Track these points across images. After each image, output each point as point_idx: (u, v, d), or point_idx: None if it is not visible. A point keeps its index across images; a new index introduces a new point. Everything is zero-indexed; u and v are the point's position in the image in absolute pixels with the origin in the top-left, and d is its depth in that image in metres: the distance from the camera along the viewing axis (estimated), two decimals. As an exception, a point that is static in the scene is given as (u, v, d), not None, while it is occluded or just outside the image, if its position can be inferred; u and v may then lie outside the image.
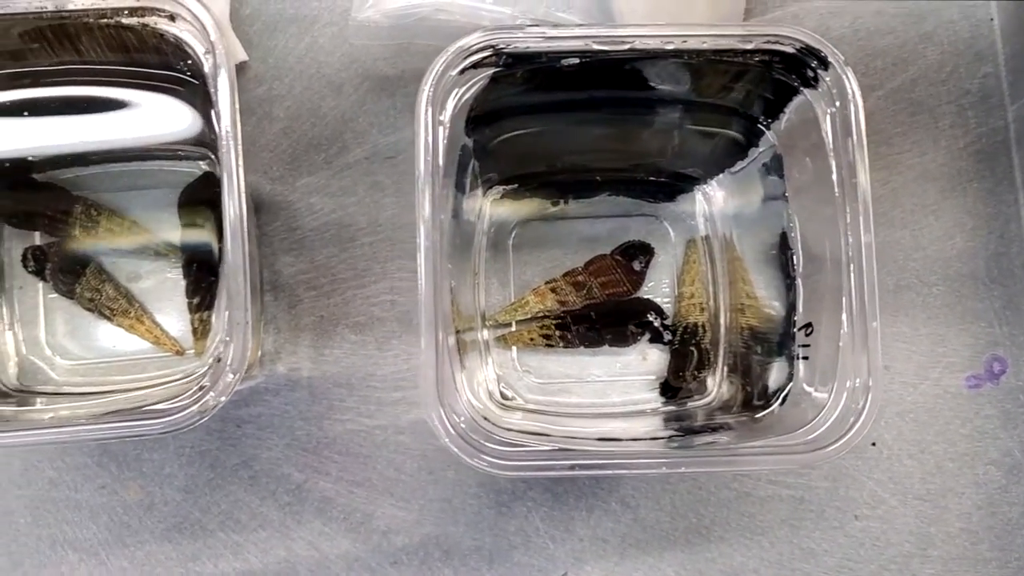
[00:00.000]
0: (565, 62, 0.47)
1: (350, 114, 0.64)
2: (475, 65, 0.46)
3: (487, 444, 0.44)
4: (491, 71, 0.47)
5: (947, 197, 0.62)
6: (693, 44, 0.46)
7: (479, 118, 0.49)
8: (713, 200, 0.60)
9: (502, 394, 0.58)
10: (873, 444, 0.61)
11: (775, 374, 0.55)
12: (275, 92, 0.62)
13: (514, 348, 0.61)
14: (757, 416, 0.50)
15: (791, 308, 0.51)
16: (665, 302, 0.63)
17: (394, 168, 0.64)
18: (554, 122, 0.54)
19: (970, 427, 0.61)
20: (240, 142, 0.43)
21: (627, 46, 0.46)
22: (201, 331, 0.56)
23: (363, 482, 0.60)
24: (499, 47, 0.45)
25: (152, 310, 0.60)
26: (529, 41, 0.45)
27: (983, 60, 0.63)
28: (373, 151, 0.62)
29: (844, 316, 0.45)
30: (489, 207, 0.60)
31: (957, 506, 0.60)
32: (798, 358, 0.50)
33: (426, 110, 0.43)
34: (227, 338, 0.44)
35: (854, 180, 0.44)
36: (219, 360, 0.43)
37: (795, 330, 0.50)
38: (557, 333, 0.59)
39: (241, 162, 0.43)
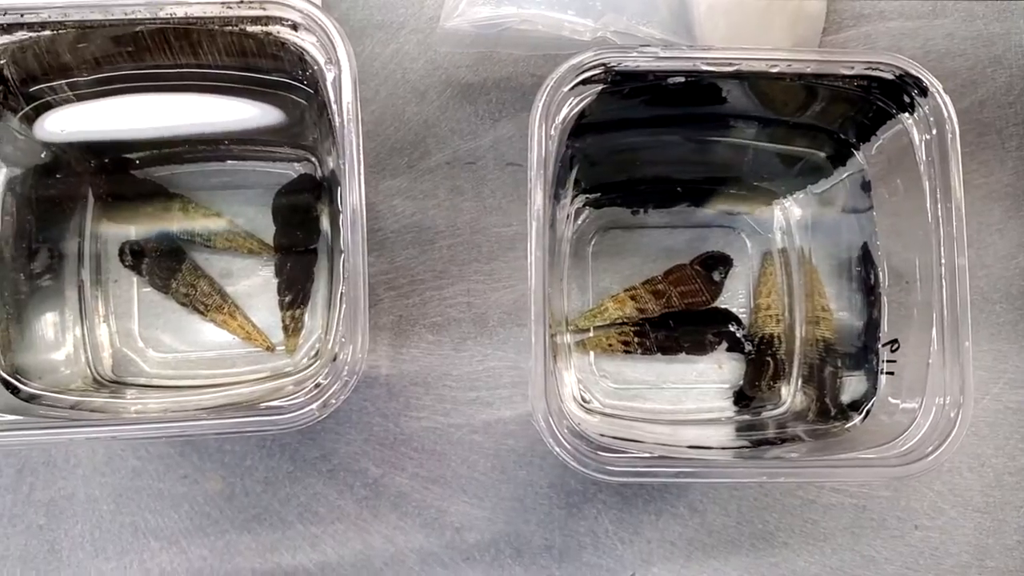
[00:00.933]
0: (671, 80, 0.48)
1: (432, 119, 0.64)
2: (585, 81, 0.47)
3: (592, 451, 0.45)
4: (600, 87, 0.48)
5: (1012, 217, 0.62)
6: (797, 68, 0.47)
7: (580, 129, 0.50)
8: (791, 213, 0.61)
9: (581, 397, 0.60)
10: None
11: (851, 387, 0.56)
12: (361, 96, 0.60)
13: (592, 353, 0.62)
14: (835, 428, 0.52)
15: (871, 322, 0.53)
16: (741, 312, 0.64)
17: (473, 173, 0.64)
18: (648, 135, 0.56)
19: None
20: (361, 146, 0.44)
21: (734, 68, 0.47)
22: (293, 328, 0.58)
23: (437, 479, 0.61)
24: (611, 65, 0.47)
25: (245, 307, 0.61)
26: (640, 60, 0.46)
27: None
28: (454, 156, 0.63)
29: (935, 333, 0.46)
30: (571, 216, 0.61)
31: (1015, 519, 0.61)
32: (882, 372, 0.51)
33: (540, 123, 0.44)
34: (343, 339, 0.45)
35: (949, 205, 0.45)
36: (335, 359, 0.45)
37: (879, 345, 0.52)
38: (636, 339, 0.61)
39: (362, 166, 0.44)
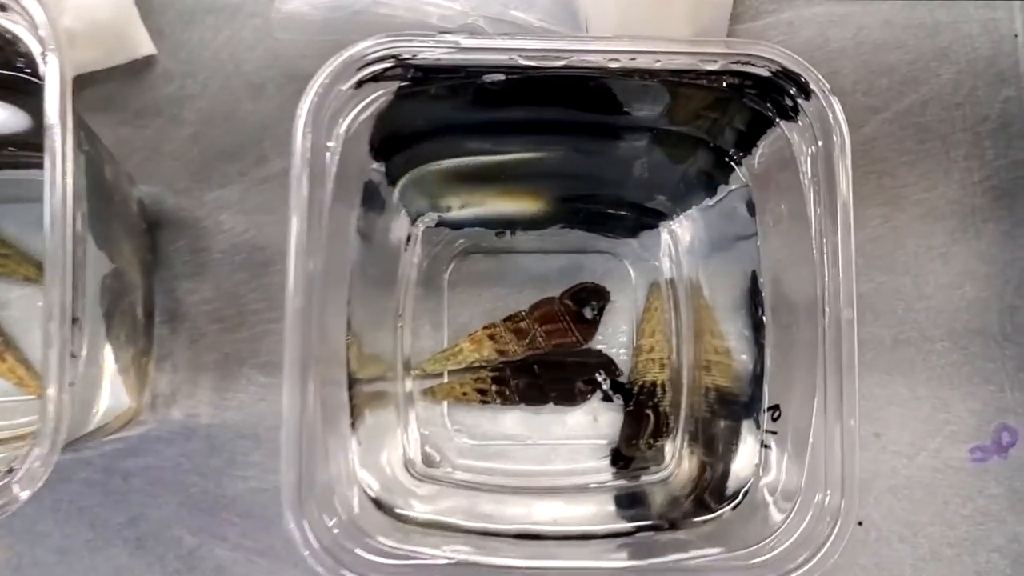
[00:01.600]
0: (488, 78, 0.37)
1: (271, 119, 0.56)
2: (375, 78, 0.36)
3: (361, 554, 0.34)
4: (396, 85, 0.37)
5: (957, 240, 0.55)
6: (643, 63, 0.36)
7: (394, 138, 0.39)
8: (680, 238, 0.51)
9: (427, 457, 0.49)
10: (859, 524, 0.54)
11: (744, 449, 0.45)
12: (186, 91, 0.54)
13: (445, 403, 0.52)
14: (703, 518, 0.41)
15: (757, 376, 0.42)
16: (623, 354, 0.55)
17: (319, 184, 0.53)
18: (495, 144, 0.46)
19: (972, 507, 0.54)
20: (69, 141, 0.34)
21: (562, 62, 0.36)
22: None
23: (266, 550, 0.53)
24: (403, 57, 0.36)
25: (22, 345, 0.51)
26: (439, 51, 0.36)
27: (1005, 82, 0.56)
28: (296, 163, 0.51)
29: (816, 403, 0.35)
30: (421, 236, 0.51)
31: None
32: (763, 446, 0.41)
33: (304, 133, 0.34)
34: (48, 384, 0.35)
35: (834, 238, 0.34)
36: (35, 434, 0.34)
37: (762, 410, 0.41)
38: (494, 388, 0.51)
39: (70, 166, 0.34)
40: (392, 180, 0.46)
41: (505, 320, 0.53)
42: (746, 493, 0.43)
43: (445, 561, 0.37)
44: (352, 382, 0.43)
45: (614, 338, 0.56)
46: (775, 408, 0.42)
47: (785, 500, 0.40)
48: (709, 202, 0.49)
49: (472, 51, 0.37)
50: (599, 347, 0.55)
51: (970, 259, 0.55)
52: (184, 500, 0.53)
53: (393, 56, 0.38)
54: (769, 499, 0.41)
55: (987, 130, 0.57)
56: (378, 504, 0.43)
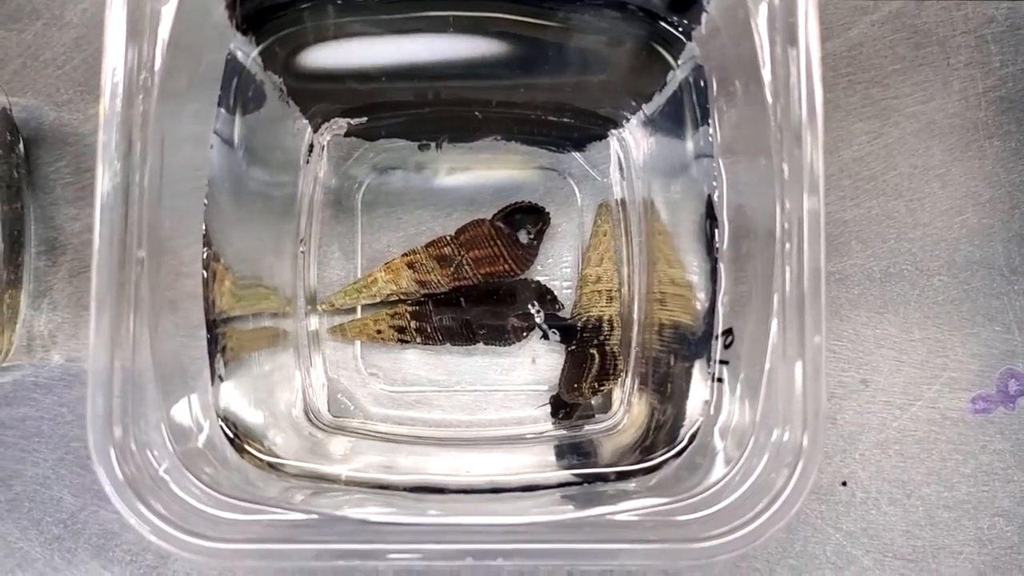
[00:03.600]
0: None
1: None
2: None
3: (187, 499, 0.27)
4: None
5: (958, 159, 0.50)
6: None
7: (265, 10, 0.31)
8: (632, 151, 0.44)
9: (328, 408, 0.42)
10: (844, 484, 0.49)
11: (696, 389, 0.38)
12: (63, 18, 0.50)
13: (357, 343, 0.47)
14: (646, 464, 0.34)
15: (714, 304, 0.35)
16: (566, 287, 0.49)
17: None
18: (398, 27, 0.38)
19: (973, 465, 0.49)
20: None
21: None
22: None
23: None
24: None
25: None
26: None
27: None
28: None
29: (774, 324, 0.27)
30: (327, 146, 0.43)
31: (952, 570, 0.48)
32: (715, 379, 0.33)
33: None
34: None
35: (797, 111, 0.26)
36: None
37: (714, 337, 0.33)
38: (413, 325, 0.45)
39: None
40: (272, 65, 0.38)
41: (427, 246, 0.47)
42: (694, 437, 0.36)
43: (302, 517, 0.29)
44: (218, 322, 0.36)
45: (556, 268, 0.50)
46: (728, 333, 0.35)
47: (738, 442, 0.32)
48: (659, 97, 0.41)
49: None
50: (539, 278, 0.49)
51: (972, 181, 0.51)
52: (64, 456, 0.48)
53: None
54: (719, 443, 0.34)
55: (993, 33, 0.51)
56: (239, 445, 0.35)
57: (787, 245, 0.30)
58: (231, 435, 0.36)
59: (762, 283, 0.33)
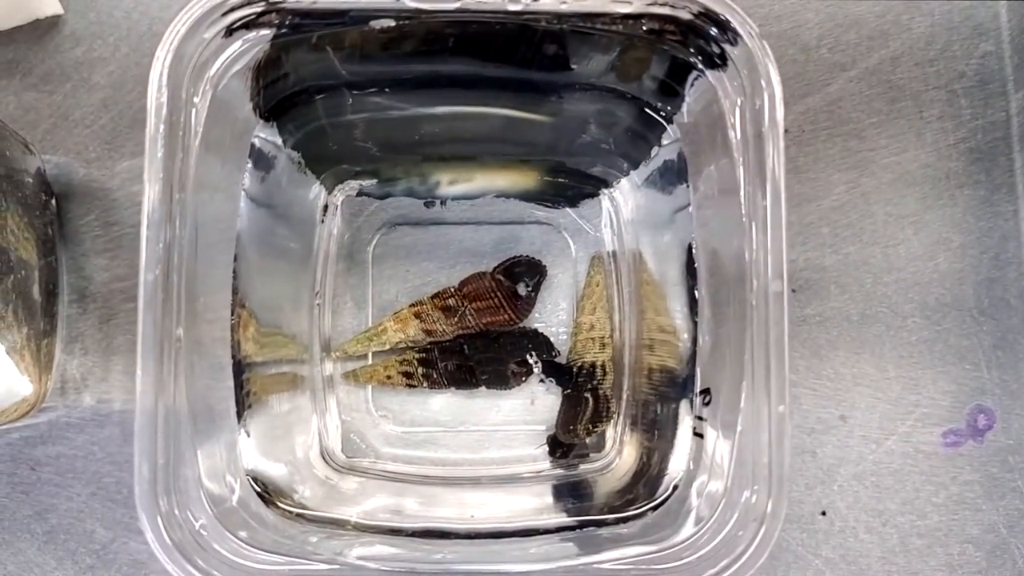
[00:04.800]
0: (376, 23, 0.33)
1: None
2: (246, 24, 0.32)
3: (226, 555, 0.30)
4: (271, 32, 0.32)
5: (930, 207, 0.52)
6: (548, 4, 0.31)
7: (282, 95, 0.35)
8: (621, 208, 0.46)
9: (349, 446, 0.45)
10: (823, 513, 0.51)
11: (682, 434, 0.41)
12: (95, 54, 0.51)
13: (369, 387, 0.48)
14: (632, 512, 0.37)
15: (695, 354, 0.38)
16: (562, 333, 0.51)
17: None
18: (411, 101, 0.41)
19: (945, 495, 0.51)
20: None
21: (455, 4, 0.31)
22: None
23: None
24: (274, 0, 0.31)
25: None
26: None
27: (983, 36, 0.52)
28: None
29: (744, 386, 0.30)
30: (340, 206, 0.46)
31: None
32: (696, 434, 0.36)
33: (160, 86, 0.29)
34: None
35: (763, 202, 0.29)
36: None
37: (693, 395, 0.36)
38: (420, 371, 0.47)
39: None
40: (292, 143, 0.41)
41: (432, 297, 0.49)
42: (676, 487, 0.39)
43: (325, 567, 0.32)
44: (243, 366, 0.39)
45: (552, 315, 0.52)
46: (706, 392, 0.38)
47: (712, 497, 0.35)
48: (645, 166, 0.44)
49: (351, -9, 0.33)
50: (536, 326, 0.51)
51: (944, 228, 0.52)
52: (96, 491, 0.50)
53: (265, -1, 0.33)
54: (695, 498, 0.36)
55: (963, 88, 0.53)
56: (268, 499, 0.38)
57: (755, 319, 0.33)
58: (259, 491, 0.39)
59: (736, 349, 0.36)
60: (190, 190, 0.32)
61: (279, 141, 0.41)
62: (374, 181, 0.48)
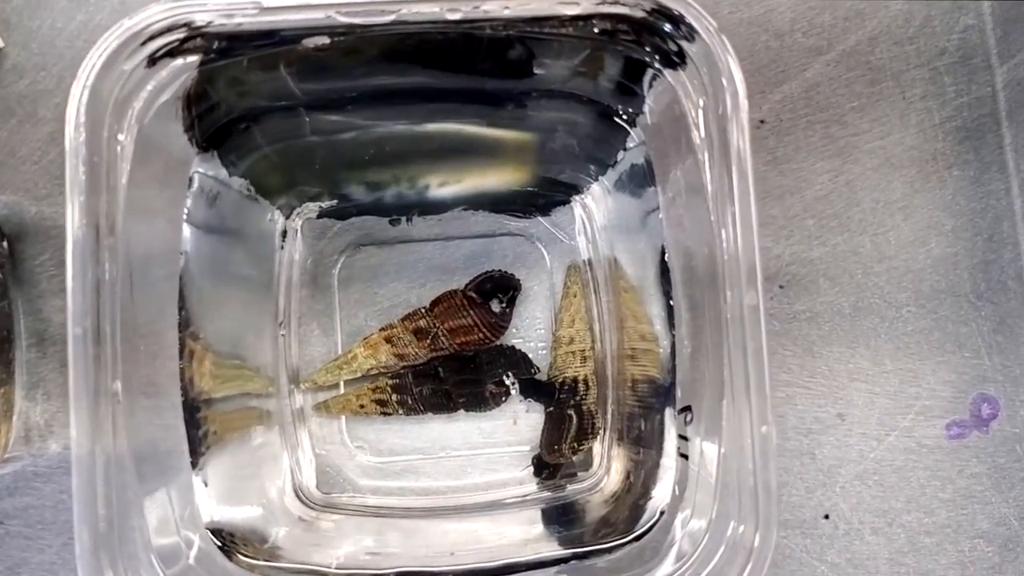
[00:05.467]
0: (309, 42, 0.30)
1: None
2: (169, 52, 0.29)
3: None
4: (197, 58, 0.30)
5: (919, 190, 0.50)
6: (491, 10, 0.29)
7: (217, 123, 0.33)
8: (594, 214, 0.44)
9: (325, 482, 0.43)
10: (826, 517, 0.49)
11: (668, 448, 0.39)
12: (40, 86, 0.50)
13: (342, 417, 0.46)
14: (614, 543, 0.34)
15: (673, 370, 0.35)
16: (542, 348, 0.49)
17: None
18: (369, 117, 0.39)
19: (952, 490, 0.49)
20: None
21: (389, 17, 0.29)
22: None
23: None
24: (196, 25, 0.29)
25: None
26: (239, 16, 0.29)
27: (962, 9, 0.50)
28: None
29: (724, 405, 0.28)
30: (301, 229, 0.44)
31: None
32: (680, 454, 0.34)
33: (77, 124, 0.27)
34: None
35: (731, 208, 0.27)
36: None
37: (674, 412, 0.34)
38: (394, 397, 0.45)
39: None
40: (236, 170, 0.38)
41: (403, 320, 0.47)
42: (662, 513, 0.36)
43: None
44: (198, 404, 0.37)
45: (530, 330, 0.50)
46: (687, 410, 0.35)
47: (693, 539, 0.33)
48: (614, 170, 0.42)
49: (278, 12, 0.30)
50: (514, 342, 0.49)
51: (934, 211, 0.50)
52: (68, 541, 0.48)
53: (185, 24, 0.31)
54: (679, 529, 0.34)
55: (946, 65, 0.51)
56: (232, 550, 0.36)
57: (731, 334, 0.31)
58: (220, 544, 0.37)
59: (715, 362, 0.34)
60: (120, 231, 0.30)
61: (222, 173, 0.39)
62: (334, 202, 0.46)
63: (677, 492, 0.37)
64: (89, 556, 0.29)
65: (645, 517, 0.38)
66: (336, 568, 0.38)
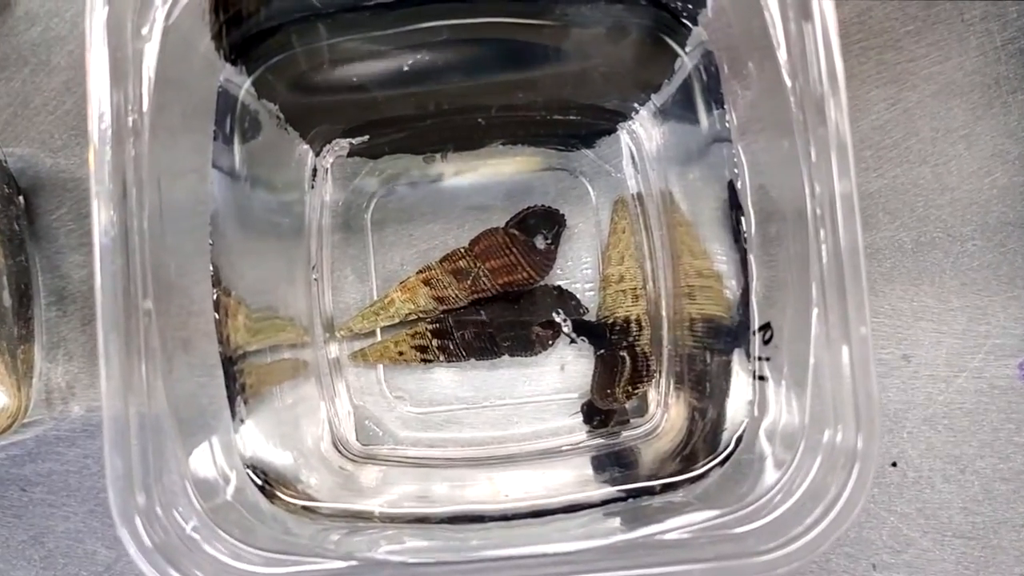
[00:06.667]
0: None
1: None
2: None
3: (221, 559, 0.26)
4: None
5: (981, 117, 0.48)
6: None
7: (250, 30, 0.30)
8: (644, 143, 0.41)
9: (355, 436, 0.40)
10: (894, 464, 0.47)
11: (737, 385, 0.36)
12: (53, 33, 0.48)
13: (380, 366, 0.44)
14: (691, 474, 0.32)
15: (747, 295, 0.33)
16: (588, 289, 0.47)
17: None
18: (391, 42, 0.36)
19: None
20: None
21: None
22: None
23: None
24: None
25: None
26: None
27: None
28: (194, 106, 0.46)
29: (814, 315, 0.25)
30: (330, 171, 0.42)
31: (1015, 544, 0.46)
32: (758, 377, 0.31)
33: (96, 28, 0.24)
34: None
35: (819, 93, 0.24)
36: None
37: (751, 333, 0.31)
38: (435, 343, 0.43)
39: None
40: (266, 93, 0.36)
41: (441, 261, 0.45)
42: (740, 440, 0.34)
43: (343, 565, 0.27)
44: (235, 358, 0.34)
45: (576, 270, 0.48)
46: (766, 328, 0.33)
47: (787, 444, 0.30)
48: (668, 87, 0.39)
49: None
50: (559, 283, 0.47)
51: (998, 138, 0.48)
52: (94, 508, 0.47)
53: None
54: (767, 446, 0.32)
55: None
56: (270, 490, 0.33)
57: (821, 231, 0.28)
58: (260, 482, 0.35)
59: (797, 270, 0.31)
60: (145, 155, 0.27)
61: (252, 89, 0.36)
62: (365, 138, 0.43)
63: (756, 415, 0.34)
64: (121, 482, 0.26)
65: (720, 448, 0.35)
66: (380, 512, 0.35)
